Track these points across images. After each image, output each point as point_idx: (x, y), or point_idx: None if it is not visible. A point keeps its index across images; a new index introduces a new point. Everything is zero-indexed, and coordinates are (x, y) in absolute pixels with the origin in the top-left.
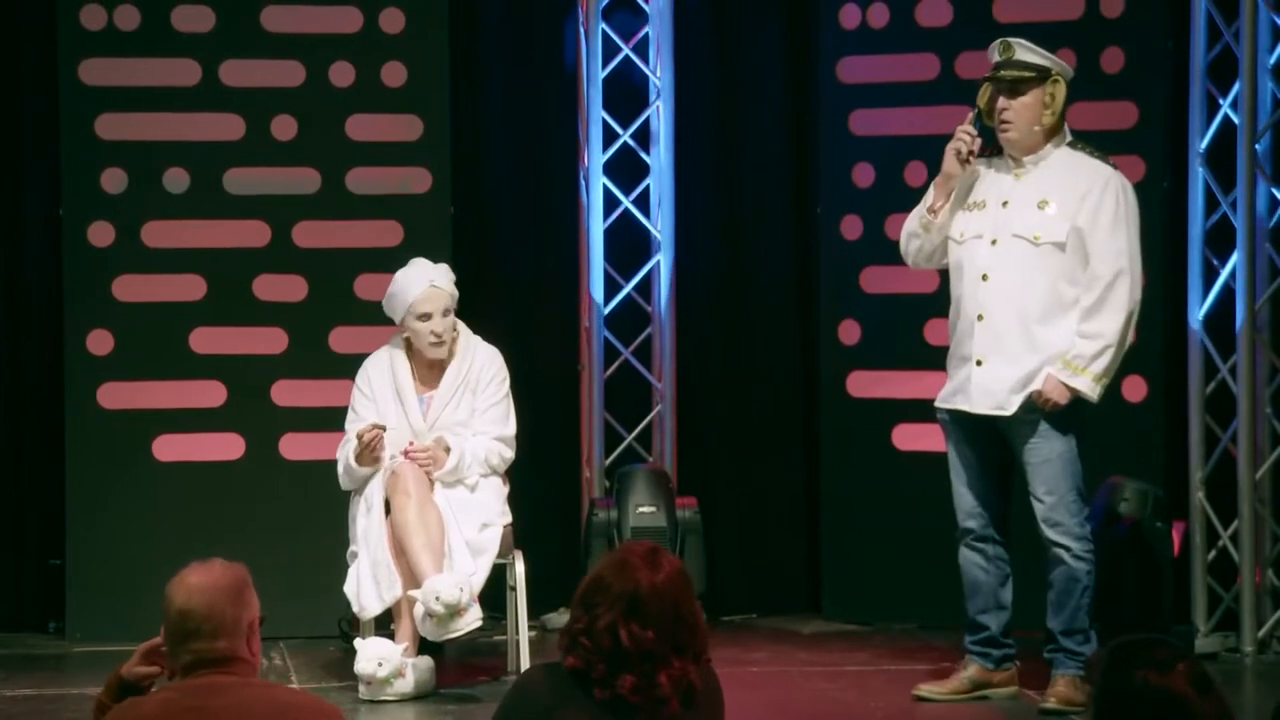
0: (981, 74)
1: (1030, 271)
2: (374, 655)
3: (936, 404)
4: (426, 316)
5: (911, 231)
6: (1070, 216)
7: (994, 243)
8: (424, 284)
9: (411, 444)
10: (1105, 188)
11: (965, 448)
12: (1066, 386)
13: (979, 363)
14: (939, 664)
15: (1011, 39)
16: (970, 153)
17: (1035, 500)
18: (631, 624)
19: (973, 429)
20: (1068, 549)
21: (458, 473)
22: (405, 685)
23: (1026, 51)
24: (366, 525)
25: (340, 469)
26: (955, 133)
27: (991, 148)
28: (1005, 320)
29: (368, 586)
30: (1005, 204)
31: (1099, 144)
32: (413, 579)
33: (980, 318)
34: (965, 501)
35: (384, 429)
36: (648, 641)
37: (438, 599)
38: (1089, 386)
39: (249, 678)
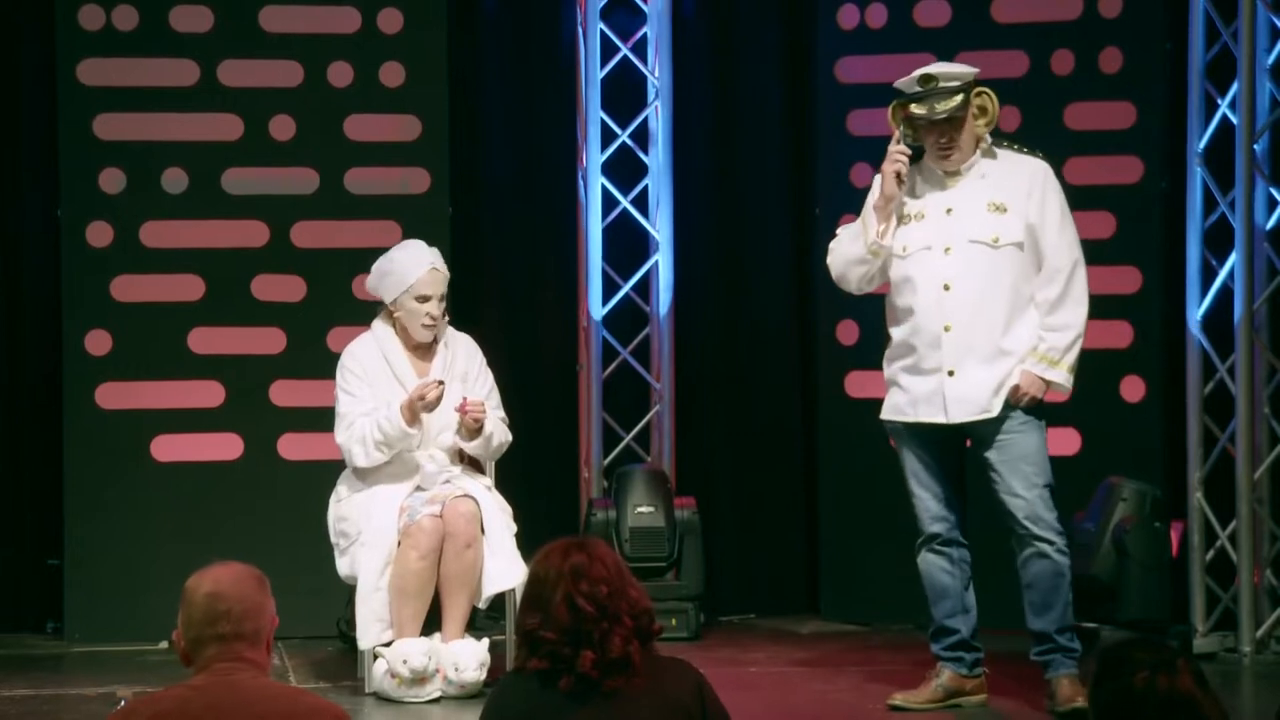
0: (980, 74)
1: (992, 275)
2: (399, 655)
3: (891, 417)
4: (425, 299)
5: (856, 259)
6: (1022, 215)
7: (947, 251)
8: (425, 266)
9: (466, 399)
10: (1046, 182)
11: (925, 454)
12: (1043, 380)
13: (951, 373)
14: (935, 665)
15: (933, 70)
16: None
17: (1013, 498)
18: (581, 585)
19: (932, 437)
20: (1051, 544)
21: (488, 441)
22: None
23: (949, 78)
24: (369, 559)
25: (370, 446)
26: (890, 156)
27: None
28: (974, 327)
29: (368, 621)
30: (949, 211)
31: (1100, 144)
32: (413, 620)
33: (947, 329)
34: (930, 507)
35: (443, 384)
36: (602, 596)
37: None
38: (1065, 378)
39: (262, 679)
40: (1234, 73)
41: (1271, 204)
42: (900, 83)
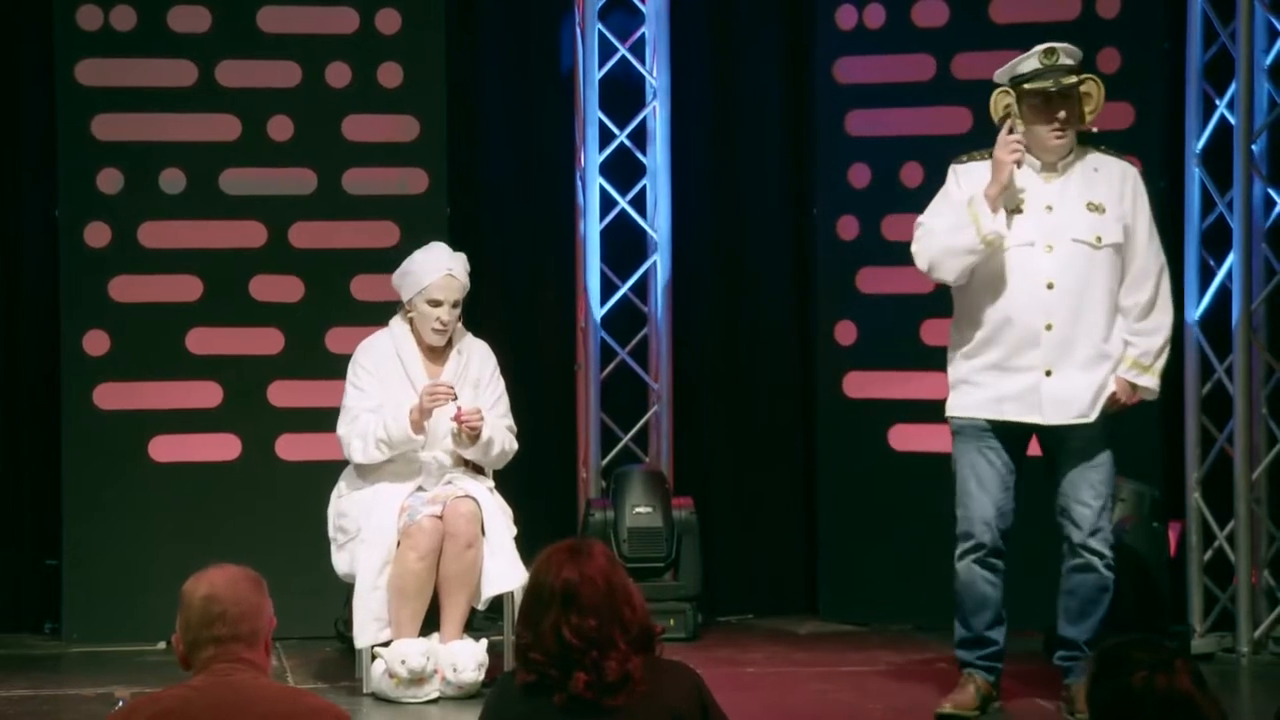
0: (976, 75)
1: (1091, 275)
2: (397, 655)
3: (969, 414)
4: (437, 304)
5: (964, 249)
6: (1119, 216)
7: (1050, 249)
8: (441, 271)
9: (460, 409)
10: (1137, 184)
11: (996, 458)
12: (1134, 386)
13: (1048, 373)
14: (935, 665)
15: (1056, 44)
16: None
17: (1080, 506)
18: (571, 617)
19: (1011, 439)
20: (1102, 557)
21: (487, 449)
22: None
23: (1067, 55)
24: (368, 557)
25: (370, 442)
26: (1007, 144)
27: (986, 151)
28: (1076, 328)
29: (365, 620)
30: (1049, 208)
31: (1098, 144)
32: (412, 620)
33: (1049, 327)
34: (984, 513)
35: (453, 390)
36: (590, 629)
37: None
38: (1155, 384)
39: (262, 679)
40: (1232, 73)
41: (1269, 204)
42: (1004, 70)
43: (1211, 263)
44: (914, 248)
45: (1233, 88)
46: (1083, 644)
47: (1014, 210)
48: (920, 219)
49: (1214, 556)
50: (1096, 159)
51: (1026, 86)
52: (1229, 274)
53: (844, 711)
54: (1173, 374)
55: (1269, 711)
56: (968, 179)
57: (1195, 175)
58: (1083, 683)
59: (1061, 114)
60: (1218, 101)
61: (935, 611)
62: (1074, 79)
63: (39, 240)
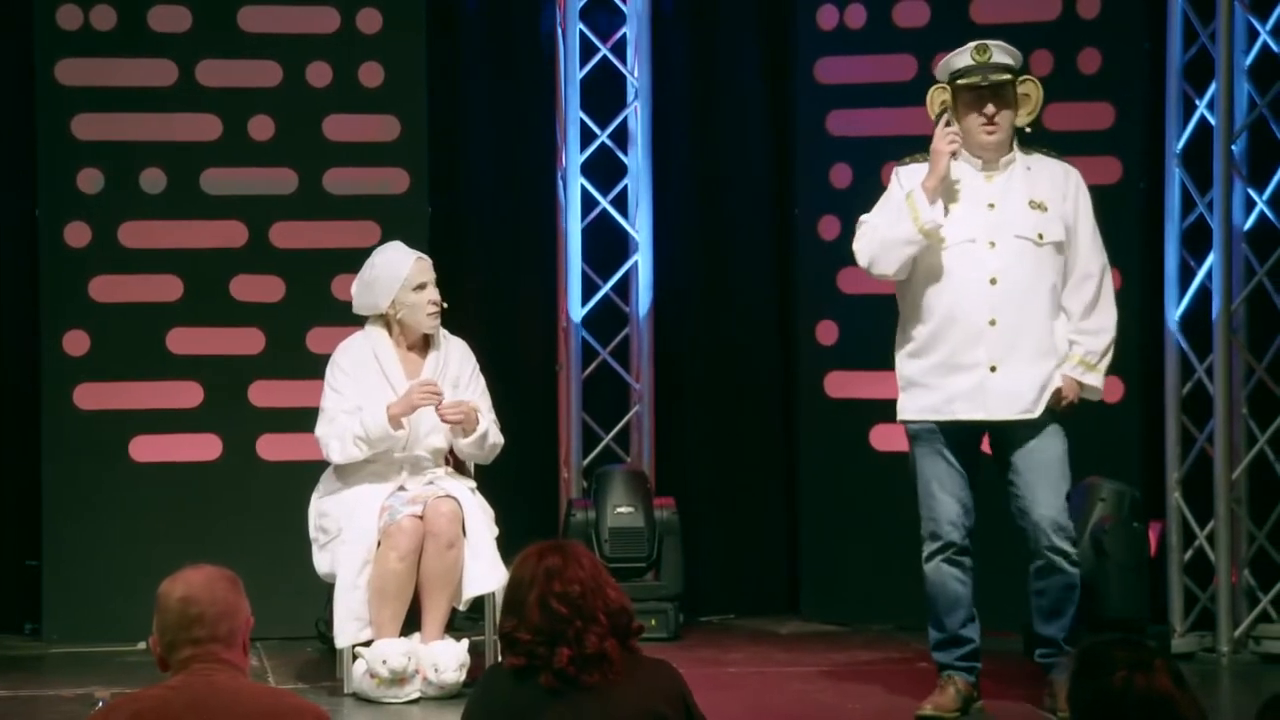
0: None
1: (1035, 272)
2: (378, 655)
3: (920, 416)
4: (422, 286)
5: (903, 240)
6: (1062, 216)
7: (992, 245)
8: (411, 257)
9: (440, 404)
10: (1079, 185)
11: (952, 456)
12: (1080, 385)
13: (993, 369)
14: (916, 665)
15: (989, 41)
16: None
17: (1041, 507)
18: (555, 585)
19: (962, 437)
20: (1067, 555)
21: (481, 442)
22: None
23: (1002, 53)
24: (349, 556)
25: (348, 441)
26: (945, 135)
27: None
28: (1020, 323)
29: (345, 619)
30: (991, 206)
31: (1079, 145)
32: (392, 621)
33: (993, 323)
34: (950, 512)
35: (439, 392)
36: (575, 595)
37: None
38: (1101, 382)
39: (241, 679)
40: (1212, 73)
41: (1249, 204)
42: (942, 66)
43: (1192, 263)
44: (855, 245)
45: (1213, 88)
46: (1060, 641)
47: (952, 202)
48: (863, 218)
49: (1194, 556)
50: (1037, 160)
51: (960, 82)
52: (1209, 274)
53: (825, 711)
54: (1152, 374)
55: (1249, 711)
56: (910, 179)
57: (1175, 175)
58: (1064, 680)
59: (990, 109)
60: (1198, 102)
61: (917, 611)
62: (1006, 76)
63: (19, 240)
